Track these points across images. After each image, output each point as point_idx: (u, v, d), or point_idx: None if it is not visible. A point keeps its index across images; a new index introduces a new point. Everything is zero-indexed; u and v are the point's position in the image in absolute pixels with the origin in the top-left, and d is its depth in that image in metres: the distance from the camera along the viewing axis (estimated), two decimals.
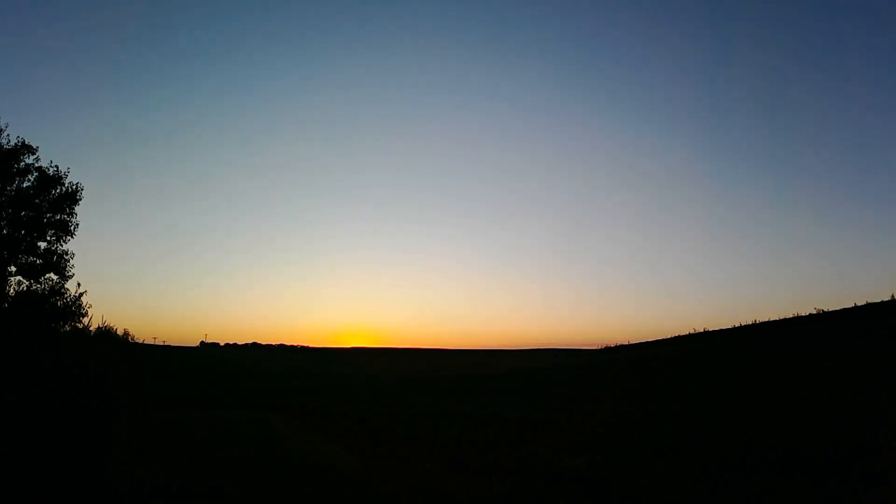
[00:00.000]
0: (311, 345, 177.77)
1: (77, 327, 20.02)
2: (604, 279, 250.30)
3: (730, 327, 38.35)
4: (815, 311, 32.72)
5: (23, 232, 22.10)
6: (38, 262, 22.21)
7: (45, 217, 22.44)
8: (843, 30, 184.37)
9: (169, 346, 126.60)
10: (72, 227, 22.96)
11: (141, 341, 23.66)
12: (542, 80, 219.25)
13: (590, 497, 7.19)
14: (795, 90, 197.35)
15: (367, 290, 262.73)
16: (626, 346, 48.73)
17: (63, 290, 21.90)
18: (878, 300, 29.52)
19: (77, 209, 23.13)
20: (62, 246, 22.79)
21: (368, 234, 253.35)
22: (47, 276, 22.19)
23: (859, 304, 30.22)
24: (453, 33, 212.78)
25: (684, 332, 43.83)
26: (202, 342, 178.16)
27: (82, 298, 21.56)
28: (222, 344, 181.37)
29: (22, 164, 22.18)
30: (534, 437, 11.98)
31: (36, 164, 22.41)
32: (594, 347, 75.33)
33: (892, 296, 28.95)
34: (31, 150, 22.36)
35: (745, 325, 36.67)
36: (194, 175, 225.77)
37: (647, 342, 47.32)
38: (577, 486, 7.66)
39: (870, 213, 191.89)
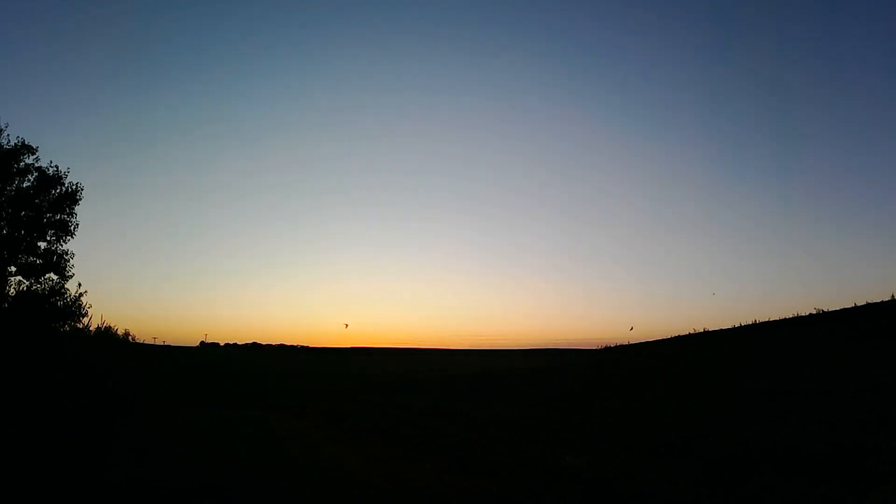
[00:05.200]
0: (311, 345, 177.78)
1: (77, 327, 20.04)
2: (604, 279, 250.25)
3: (730, 327, 38.32)
4: (815, 311, 32.69)
5: (23, 232, 22.10)
6: (38, 262, 22.21)
7: (45, 217, 22.44)
8: (843, 29, 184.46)
9: (169, 346, 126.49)
10: (72, 227, 22.97)
11: (141, 341, 23.65)
12: (543, 79, 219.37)
13: (590, 497, 7.19)
14: (795, 90, 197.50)
15: (367, 291, 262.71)
16: (626, 345, 48.70)
17: (63, 290, 21.91)
18: (878, 300, 29.51)
19: (77, 209, 23.15)
20: (62, 246, 22.81)
21: (368, 234, 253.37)
22: (47, 276, 22.19)
23: (859, 304, 30.22)
24: (454, 33, 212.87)
25: (684, 332, 43.78)
26: (202, 342, 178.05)
27: (82, 298, 21.59)
28: (222, 344, 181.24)
29: (22, 164, 22.18)
30: (534, 436, 11.98)
31: (36, 164, 22.42)
32: (594, 347, 75.26)
33: (892, 296, 28.93)
34: (31, 150, 22.36)
35: (745, 325, 36.63)
36: (194, 175, 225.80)
37: (647, 342, 47.30)
38: (577, 486, 7.67)
39: (870, 214, 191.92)
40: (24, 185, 22.23)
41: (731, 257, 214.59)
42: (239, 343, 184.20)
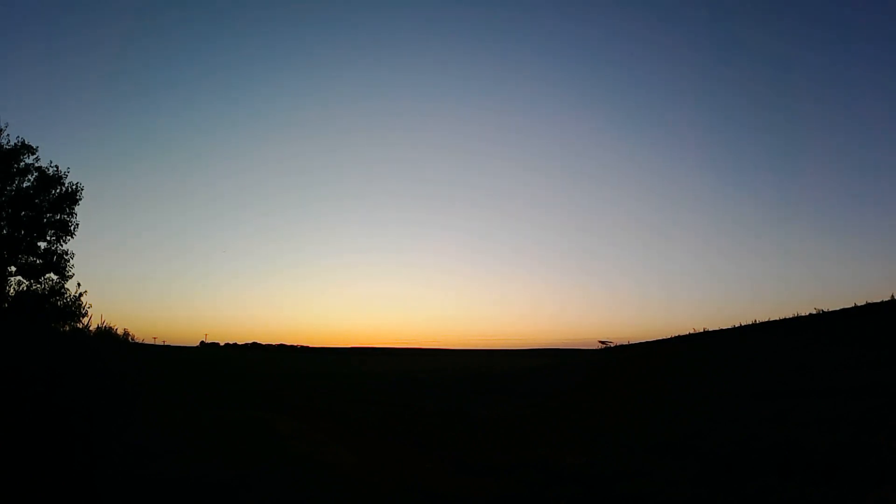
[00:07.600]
0: (310, 345, 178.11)
1: (77, 327, 19.99)
2: (604, 280, 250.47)
3: (730, 327, 38.30)
4: (814, 312, 32.67)
5: (23, 232, 22.07)
6: (38, 262, 22.18)
7: (45, 217, 22.42)
8: (843, 31, 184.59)
9: (169, 346, 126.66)
10: (72, 227, 22.95)
11: (141, 341, 23.60)
12: (544, 82, 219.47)
13: (590, 497, 7.19)
14: (795, 92, 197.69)
15: (367, 291, 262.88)
16: (625, 345, 48.74)
17: (63, 290, 21.86)
18: (878, 300, 29.48)
19: (77, 209, 23.12)
20: (62, 246, 22.77)
21: (369, 235, 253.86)
22: (47, 276, 22.16)
23: (859, 304, 30.20)
24: (456, 34, 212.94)
25: (684, 332, 43.77)
26: (202, 342, 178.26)
27: (82, 298, 21.52)
28: (222, 344, 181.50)
29: (22, 164, 22.15)
30: (534, 436, 11.99)
31: (36, 164, 22.39)
32: (594, 347, 75.38)
33: (892, 296, 28.92)
34: (31, 150, 22.33)
35: (745, 326, 36.61)
36: (194, 176, 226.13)
37: (646, 342, 47.30)
38: (577, 486, 7.67)
39: (870, 214, 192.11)
40: (24, 185, 22.20)
41: (731, 258, 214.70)
42: (239, 343, 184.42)
